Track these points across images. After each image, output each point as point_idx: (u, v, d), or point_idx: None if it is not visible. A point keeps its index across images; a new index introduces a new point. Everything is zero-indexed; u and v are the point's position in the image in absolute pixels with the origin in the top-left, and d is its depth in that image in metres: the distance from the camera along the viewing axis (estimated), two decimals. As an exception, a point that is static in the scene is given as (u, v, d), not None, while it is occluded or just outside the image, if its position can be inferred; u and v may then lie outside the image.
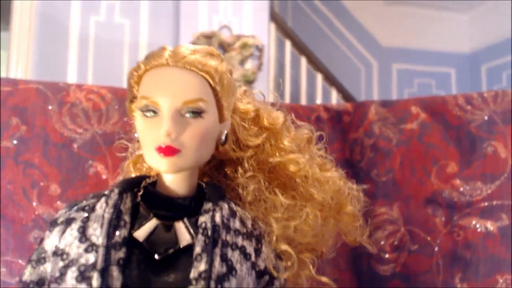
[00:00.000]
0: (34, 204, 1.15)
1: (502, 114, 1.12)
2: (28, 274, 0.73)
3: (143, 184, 0.77)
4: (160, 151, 0.68)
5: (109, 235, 0.68)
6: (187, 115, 0.70)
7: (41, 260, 0.73)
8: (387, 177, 1.23)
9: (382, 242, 1.24)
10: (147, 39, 2.89)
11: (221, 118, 0.76)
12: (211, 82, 0.73)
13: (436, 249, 1.18)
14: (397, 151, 1.23)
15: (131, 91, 0.77)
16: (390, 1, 3.45)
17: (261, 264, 0.77)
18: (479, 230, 1.13)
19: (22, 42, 2.85)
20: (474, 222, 1.14)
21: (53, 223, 0.75)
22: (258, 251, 0.77)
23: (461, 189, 1.16)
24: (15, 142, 1.15)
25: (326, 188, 0.85)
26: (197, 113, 0.71)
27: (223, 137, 0.78)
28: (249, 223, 0.79)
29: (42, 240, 0.75)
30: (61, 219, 0.75)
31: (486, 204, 1.13)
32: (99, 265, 0.66)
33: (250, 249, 0.76)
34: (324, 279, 0.88)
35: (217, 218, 0.73)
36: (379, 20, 3.45)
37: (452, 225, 1.17)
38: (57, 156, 1.17)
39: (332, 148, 0.97)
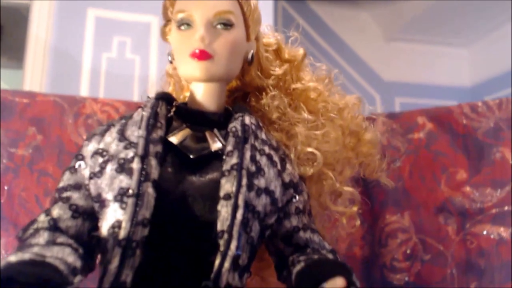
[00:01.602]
0: (46, 212, 1.16)
1: (507, 121, 1.15)
2: (66, 179, 0.74)
3: (175, 103, 0.81)
4: (194, 56, 0.73)
5: (148, 129, 0.71)
6: (218, 26, 0.76)
7: (79, 165, 0.74)
8: (397, 185, 1.23)
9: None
10: (156, 73, 2.98)
11: (248, 37, 0.82)
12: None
13: (449, 258, 1.16)
14: (406, 160, 1.24)
15: (165, 13, 0.83)
16: (390, 38, 3.59)
17: (286, 178, 0.79)
18: (492, 237, 1.12)
19: (35, 78, 2.95)
20: (486, 229, 1.13)
21: (90, 135, 0.77)
22: (283, 165, 0.79)
23: (472, 196, 1.16)
24: (30, 150, 1.18)
25: (345, 114, 0.91)
26: (227, 25, 0.76)
27: (250, 56, 0.83)
28: (274, 142, 0.81)
29: (79, 149, 0.77)
30: (99, 130, 0.77)
31: (497, 210, 1.13)
32: (140, 152, 0.68)
33: (276, 158, 0.78)
34: (347, 188, 0.90)
35: (247, 121, 0.76)
36: (380, 55, 3.57)
37: (465, 233, 1.16)
38: (71, 165, 1.19)
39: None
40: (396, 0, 3.27)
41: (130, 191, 0.65)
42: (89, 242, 0.71)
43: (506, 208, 1.12)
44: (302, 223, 0.79)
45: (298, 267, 0.72)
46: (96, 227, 0.72)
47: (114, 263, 0.63)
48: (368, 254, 1.24)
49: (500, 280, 1.09)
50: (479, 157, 1.17)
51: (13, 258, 0.59)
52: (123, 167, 0.69)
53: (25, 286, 0.54)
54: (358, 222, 0.94)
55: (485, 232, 1.13)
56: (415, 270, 1.18)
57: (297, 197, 0.80)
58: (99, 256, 0.72)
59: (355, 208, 0.93)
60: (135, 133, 0.72)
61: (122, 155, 0.70)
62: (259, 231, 0.73)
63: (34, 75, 2.96)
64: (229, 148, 0.72)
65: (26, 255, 0.60)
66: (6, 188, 1.16)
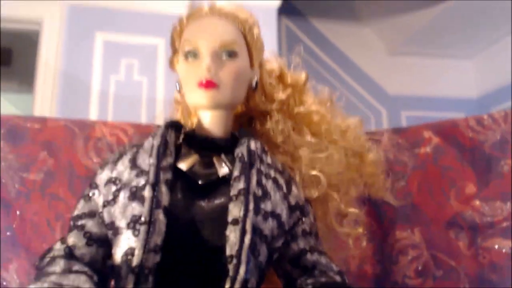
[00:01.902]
0: (58, 236, 1.17)
1: (513, 133, 1.15)
2: (81, 207, 0.77)
3: (183, 130, 0.84)
4: (201, 85, 0.77)
5: (159, 157, 0.73)
6: (224, 56, 0.80)
7: (93, 193, 0.77)
8: (406, 201, 1.23)
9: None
10: (164, 94, 3.02)
11: (252, 65, 0.85)
12: (243, 30, 0.83)
13: (461, 274, 1.15)
14: (413, 175, 1.24)
15: (173, 44, 0.87)
16: (394, 52, 3.61)
17: (292, 200, 0.81)
18: (504, 251, 1.11)
19: (45, 102, 3.00)
20: (497, 243, 1.12)
21: (103, 164, 0.81)
22: (289, 188, 0.80)
23: (481, 210, 1.15)
24: (42, 175, 1.20)
25: (347, 136, 0.94)
26: (232, 54, 0.80)
27: (254, 83, 0.86)
28: (279, 165, 0.82)
29: (93, 177, 0.80)
30: (111, 159, 0.80)
31: (508, 223, 1.12)
32: (151, 180, 0.70)
33: (281, 181, 0.80)
34: (352, 210, 0.92)
35: (252, 146, 0.78)
36: (385, 70, 3.58)
37: (476, 248, 1.15)
38: (81, 188, 1.21)
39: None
40: (398, 15, 3.30)
41: (143, 219, 0.67)
42: (103, 268, 0.73)
43: (516, 221, 1.11)
44: (309, 245, 0.80)
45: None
46: (109, 254, 0.73)
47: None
48: (380, 272, 1.23)
49: (514, 295, 1.07)
50: (487, 170, 1.16)
51: (32, 287, 0.61)
52: (135, 195, 0.71)
53: None
54: (364, 243, 0.94)
55: (496, 246, 1.11)
56: (427, 286, 1.16)
57: (304, 219, 0.81)
58: (112, 283, 0.73)
59: (360, 229, 0.93)
60: (146, 161, 0.75)
61: (134, 183, 0.73)
62: (267, 255, 0.74)
63: (44, 99, 3.02)
64: (236, 173, 0.75)
65: (45, 285, 0.63)
66: (18, 213, 1.17)
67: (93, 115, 2.97)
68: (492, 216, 1.14)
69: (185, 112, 0.98)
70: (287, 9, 3.14)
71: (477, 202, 1.16)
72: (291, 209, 0.80)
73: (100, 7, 2.98)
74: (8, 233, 1.15)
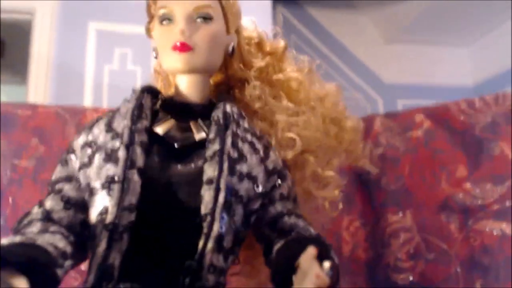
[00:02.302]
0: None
1: (504, 115, 1.15)
2: (58, 172, 0.78)
3: (160, 95, 0.83)
4: (175, 48, 0.76)
5: (133, 120, 0.74)
6: (198, 20, 0.79)
7: (69, 157, 0.78)
8: (397, 185, 1.24)
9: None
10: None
11: (228, 30, 0.84)
12: None
13: (453, 256, 1.16)
14: (405, 159, 1.25)
15: (149, 11, 0.86)
16: (389, 40, 3.60)
17: (270, 165, 0.81)
18: (495, 233, 1.12)
19: (39, 93, 2.99)
20: (488, 226, 1.12)
21: (80, 130, 0.81)
22: (266, 153, 0.81)
23: (472, 192, 1.16)
24: (33, 161, 1.20)
25: (326, 102, 0.94)
26: (207, 18, 0.79)
27: (230, 48, 0.85)
28: (257, 131, 0.83)
29: (70, 143, 0.80)
30: (87, 124, 0.81)
31: (498, 206, 1.12)
32: (125, 141, 0.71)
33: (258, 146, 0.81)
34: (329, 172, 0.92)
35: (228, 109, 0.79)
36: (380, 58, 3.57)
37: (467, 231, 1.15)
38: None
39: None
40: (394, 1, 3.28)
41: (116, 178, 0.69)
42: (81, 232, 0.73)
43: (507, 203, 1.12)
44: (286, 208, 0.80)
45: (278, 245, 0.74)
46: (87, 218, 0.73)
47: (102, 246, 0.66)
48: (372, 256, 1.24)
49: (505, 277, 1.08)
50: (478, 153, 1.17)
51: (4, 241, 0.62)
52: (110, 156, 0.72)
53: (15, 265, 0.56)
54: (340, 206, 0.95)
55: (487, 229, 1.12)
56: (419, 269, 1.17)
57: (281, 183, 0.81)
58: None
59: (336, 192, 0.94)
60: (121, 124, 0.75)
61: (109, 145, 0.73)
62: (242, 216, 0.75)
63: (38, 89, 2.99)
64: (211, 135, 0.75)
65: (17, 238, 0.64)
66: (10, 200, 1.17)
67: (87, 105, 2.96)
68: (483, 199, 1.14)
69: (165, 82, 0.97)
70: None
71: (468, 185, 1.16)
72: (269, 173, 0.80)
73: (92, -5, 2.95)
74: (1, 221, 1.15)
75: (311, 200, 0.95)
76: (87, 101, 2.97)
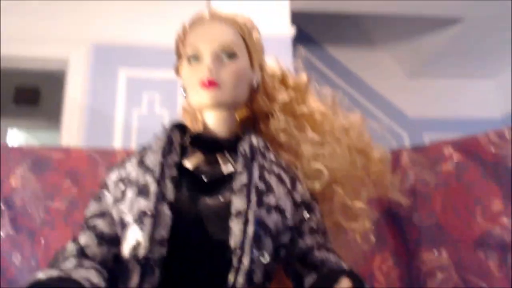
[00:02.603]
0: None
1: (537, 146, 1.11)
2: (92, 208, 0.80)
3: (189, 132, 0.87)
4: (203, 85, 0.79)
5: (164, 155, 0.76)
6: (224, 57, 0.83)
7: (103, 193, 0.80)
8: (430, 221, 1.19)
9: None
10: (184, 125, 3.07)
11: (252, 66, 0.88)
12: (242, 33, 0.86)
13: (495, 296, 1.09)
14: (436, 194, 1.21)
15: (177, 51, 0.91)
16: (412, 74, 3.60)
17: (297, 197, 0.81)
18: (538, 270, 1.05)
19: (72, 137, 3.11)
20: (531, 262, 1.06)
21: (111, 169, 0.84)
22: (293, 185, 0.80)
23: (510, 227, 1.10)
24: (66, 203, 1.23)
25: (351, 133, 0.94)
26: (232, 55, 0.83)
27: (255, 83, 0.88)
28: (283, 163, 0.82)
29: (104, 179, 0.83)
30: (120, 161, 0.82)
31: (540, 240, 1.07)
32: (156, 175, 0.73)
33: (285, 178, 0.80)
34: (358, 203, 0.90)
35: (254, 141, 0.80)
36: (403, 93, 3.56)
37: (507, 267, 1.09)
38: (103, 215, 1.23)
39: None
40: (414, 38, 3.32)
41: (148, 212, 0.70)
42: (113, 268, 0.74)
43: (548, 238, 1.06)
44: (316, 242, 0.79)
45: (310, 280, 0.73)
46: (119, 253, 0.74)
47: (134, 280, 0.67)
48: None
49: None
50: (513, 185, 1.12)
51: (41, 275, 0.63)
52: (142, 191, 0.74)
53: None
54: (373, 239, 0.92)
55: (530, 265, 1.06)
56: (459, 310, 1.11)
57: (310, 216, 0.80)
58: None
59: (367, 224, 0.92)
60: (153, 159, 0.77)
61: (141, 180, 0.76)
62: (272, 249, 0.73)
63: (71, 134, 3.12)
64: (238, 168, 0.77)
65: (54, 272, 0.65)
66: (42, 241, 1.20)
67: (117, 147, 3.04)
68: (523, 233, 1.09)
69: (193, 120, 1.00)
70: (301, 38, 3.20)
71: (505, 219, 1.11)
72: (296, 205, 0.79)
73: (123, 45, 3.12)
74: (32, 262, 1.17)
75: (342, 233, 0.93)
76: (117, 144, 3.06)
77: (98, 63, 3.05)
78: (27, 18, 3.00)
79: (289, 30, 2.76)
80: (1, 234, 1.18)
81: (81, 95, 3.00)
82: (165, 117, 3.15)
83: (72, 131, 3.07)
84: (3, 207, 1.21)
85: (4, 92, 3.90)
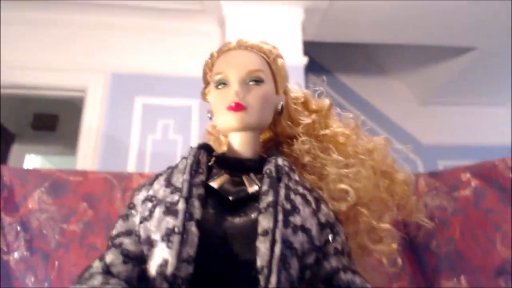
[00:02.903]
0: (93, 287, 1.17)
1: (557, 171, 1.09)
2: (119, 227, 0.80)
3: (214, 153, 0.88)
4: (230, 109, 0.82)
5: (192, 174, 0.77)
6: (250, 83, 0.86)
7: (130, 213, 0.80)
8: (449, 247, 1.17)
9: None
10: (198, 151, 3.10)
11: (277, 91, 0.90)
12: (267, 59, 0.90)
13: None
14: (454, 220, 1.19)
15: (204, 77, 0.94)
16: (425, 102, 3.60)
17: (322, 218, 0.80)
18: None
19: (87, 162, 3.15)
20: (556, 292, 1.02)
21: (140, 186, 0.85)
22: (318, 206, 0.79)
23: (533, 255, 1.07)
24: (81, 226, 1.24)
25: (374, 155, 0.93)
26: (258, 81, 0.86)
27: (279, 107, 0.91)
28: (307, 184, 0.81)
29: (131, 199, 0.83)
30: (148, 181, 0.83)
31: None
32: (184, 194, 0.73)
33: (310, 198, 0.79)
34: (384, 225, 0.89)
35: (279, 162, 0.81)
36: (416, 120, 3.55)
37: (531, 297, 1.05)
38: (117, 238, 1.23)
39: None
40: (426, 66, 3.33)
41: (176, 229, 0.70)
42: (138, 287, 0.73)
43: None
44: (342, 264, 0.77)
45: None
46: (144, 273, 0.74)
47: None
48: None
49: None
50: (533, 212, 1.10)
51: None
52: (170, 210, 0.74)
53: None
54: (399, 260, 0.90)
55: (555, 296, 1.02)
56: None
57: (335, 238, 0.79)
58: None
59: (394, 245, 0.90)
60: (180, 179, 0.78)
61: (168, 199, 0.76)
62: (298, 270, 0.73)
63: (86, 159, 3.16)
64: (264, 188, 0.77)
65: (83, 286, 0.67)
66: (56, 263, 1.20)
67: (130, 171, 3.07)
68: (545, 262, 1.05)
69: (217, 142, 1.03)
70: (313, 67, 3.25)
71: (527, 247, 1.08)
72: (321, 226, 0.79)
73: (140, 74, 3.21)
74: (45, 284, 1.17)
75: (367, 256, 0.91)
76: (131, 168, 3.10)
77: (116, 91, 3.13)
78: (49, 48, 3.12)
79: (301, 60, 2.81)
80: (16, 255, 1.19)
81: (98, 122, 3.07)
82: (179, 142, 3.19)
83: (87, 156, 3.12)
84: (19, 229, 1.22)
85: (23, 118, 4.01)
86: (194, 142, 3.41)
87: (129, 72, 3.20)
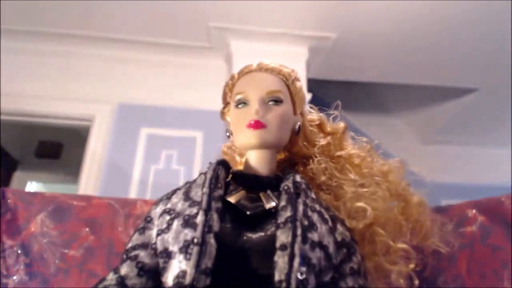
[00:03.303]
0: (91, 315, 1.14)
1: None
2: (135, 239, 0.80)
3: (232, 170, 0.89)
4: (250, 126, 0.84)
5: (211, 188, 0.77)
6: (270, 103, 0.88)
7: (147, 226, 0.81)
8: (456, 284, 1.14)
9: None
10: (200, 182, 3.09)
11: (294, 111, 0.93)
12: (286, 81, 0.93)
13: None
14: (461, 256, 1.17)
15: (224, 98, 0.97)
16: (427, 141, 3.62)
17: (338, 237, 0.79)
18: None
19: (88, 190, 3.15)
20: None
21: (158, 200, 0.86)
22: (334, 225, 0.77)
23: (541, 294, 1.04)
24: (82, 251, 1.22)
25: (389, 177, 0.95)
26: (277, 101, 0.89)
27: (297, 127, 0.93)
28: (323, 203, 0.80)
29: (148, 213, 0.84)
30: (166, 195, 0.81)
31: None
32: (203, 206, 0.73)
33: (327, 216, 0.77)
34: (401, 245, 0.89)
35: (297, 178, 0.82)
36: (418, 159, 3.56)
37: (541, 339, 1.02)
38: (118, 265, 1.21)
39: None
40: (428, 106, 3.38)
41: (195, 240, 0.70)
42: None
43: None
44: (358, 284, 0.76)
45: None
46: (158, 287, 0.73)
47: None
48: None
49: None
50: (541, 250, 1.08)
51: None
52: (188, 222, 0.74)
53: None
54: (416, 282, 0.88)
55: None
56: None
57: (351, 258, 0.78)
58: None
59: (412, 265, 0.89)
60: (199, 193, 0.79)
61: (187, 212, 0.77)
62: (315, 287, 0.70)
63: (88, 187, 3.16)
64: (282, 203, 0.77)
65: None
66: (55, 289, 1.17)
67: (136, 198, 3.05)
68: (555, 301, 1.02)
69: (233, 162, 1.04)
70: (316, 104, 3.31)
71: (535, 285, 1.06)
72: (338, 245, 0.79)
73: (146, 105, 3.26)
74: (42, 311, 1.14)
75: (382, 277, 0.90)
76: (132, 196, 3.08)
77: (122, 121, 3.18)
78: (57, 78, 3.20)
79: (306, 96, 2.86)
80: (15, 279, 1.17)
81: (102, 151, 3.09)
82: (181, 172, 3.19)
83: (89, 185, 3.11)
84: (19, 252, 1.20)
85: (27, 145, 4.03)
86: (196, 173, 3.42)
87: (136, 103, 3.25)
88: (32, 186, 4.05)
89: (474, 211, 1.21)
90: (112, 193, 3.03)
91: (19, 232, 1.23)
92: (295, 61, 2.98)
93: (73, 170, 3.52)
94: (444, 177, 3.49)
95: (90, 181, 3.07)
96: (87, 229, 1.26)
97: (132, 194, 3.05)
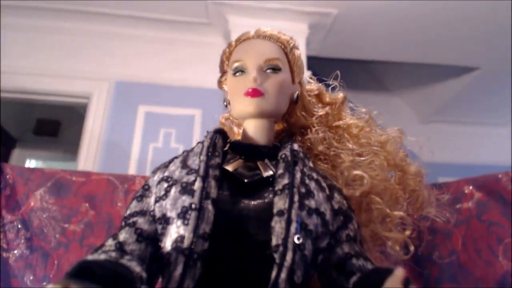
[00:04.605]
0: None
1: (560, 186, 1.09)
2: (133, 207, 0.80)
3: (229, 139, 0.88)
4: (248, 94, 0.83)
5: (208, 156, 0.77)
6: (268, 71, 0.87)
7: (145, 194, 0.80)
8: (451, 259, 1.16)
9: None
10: (198, 160, 3.10)
11: (293, 80, 0.91)
12: (285, 49, 0.91)
13: None
14: (457, 231, 1.18)
15: (222, 66, 0.95)
16: (426, 120, 3.62)
17: (335, 204, 0.80)
18: None
19: (87, 168, 3.16)
20: (559, 306, 1.01)
21: (155, 169, 0.85)
22: (331, 193, 0.78)
23: (535, 268, 1.06)
24: (82, 226, 1.24)
25: (387, 147, 0.95)
26: (276, 69, 0.87)
27: (295, 96, 0.91)
28: (321, 172, 0.81)
29: (146, 181, 0.84)
30: (163, 164, 0.82)
31: None
32: (201, 173, 0.73)
33: (324, 185, 0.78)
34: (398, 213, 0.90)
35: (295, 147, 0.81)
36: (416, 136, 3.57)
37: (534, 311, 1.04)
38: (118, 240, 1.23)
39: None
40: (428, 85, 3.36)
41: (193, 206, 0.71)
42: (149, 266, 0.73)
43: None
44: (354, 250, 0.77)
45: (354, 279, 0.70)
46: (156, 253, 0.74)
47: (178, 270, 0.67)
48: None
49: None
50: (536, 225, 1.09)
51: (89, 257, 0.65)
52: (186, 189, 0.75)
53: (101, 279, 0.56)
54: (412, 248, 0.90)
55: (557, 310, 1.01)
56: None
57: (348, 225, 0.79)
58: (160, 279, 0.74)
59: (408, 232, 0.90)
60: (196, 161, 0.79)
61: (184, 179, 0.77)
62: (312, 252, 0.72)
63: (87, 165, 3.17)
64: (280, 171, 0.77)
65: (101, 256, 0.67)
66: (56, 262, 1.19)
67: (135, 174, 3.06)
68: (548, 275, 1.04)
69: (230, 133, 1.03)
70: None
71: (529, 260, 1.07)
72: (335, 212, 0.79)
73: (143, 83, 3.23)
74: (44, 283, 1.16)
75: (379, 245, 0.91)
76: (131, 173, 3.08)
77: (119, 99, 3.15)
78: (55, 55, 3.16)
79: (305, 73, 2.84)
80: (16, 253, 1.18)
81: (100, 129, 3.07)
82: (180, 151, 3.19)
83: (88, 163, 3.12)
84: (19, 227, 1.22)
85: (25, 123, 4.02)
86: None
87: (133, 80, 3.22)
88: (31, 164, 4.06)
89: (470, 187, 1.22)
90: (111, 171, 3.04)
91: (18, 207, 1.24)
92: (295, 38, 2.94)
93: (71, 148, 3.52)
94: (443, 156, 3.50)
95: (88, 159, 3.07)
96: (87, 204, 1.27)
97: (131, 172, 3.05)
